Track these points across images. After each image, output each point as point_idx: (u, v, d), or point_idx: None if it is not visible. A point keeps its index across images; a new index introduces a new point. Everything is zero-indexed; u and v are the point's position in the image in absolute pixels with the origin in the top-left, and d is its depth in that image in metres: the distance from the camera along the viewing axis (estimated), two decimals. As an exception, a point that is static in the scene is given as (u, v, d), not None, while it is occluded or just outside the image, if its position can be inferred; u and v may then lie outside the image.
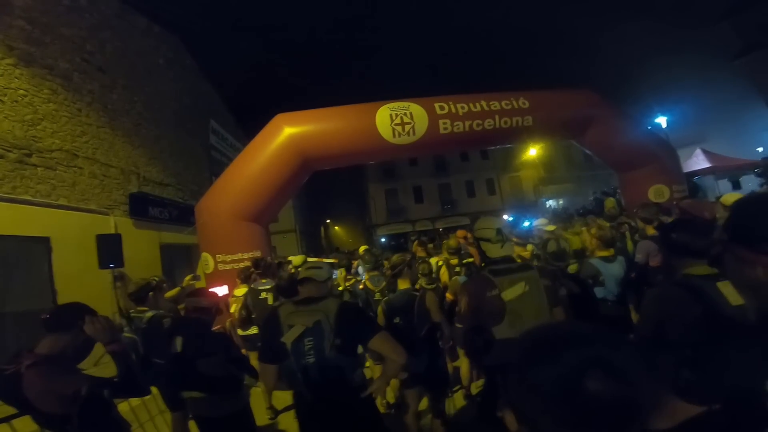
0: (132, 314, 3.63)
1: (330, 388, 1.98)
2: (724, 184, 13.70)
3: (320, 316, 1.98)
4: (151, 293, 3.68)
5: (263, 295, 4.40)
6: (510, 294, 2.10)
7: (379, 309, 3.09)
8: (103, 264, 7.11)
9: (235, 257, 6.18)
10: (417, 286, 3.35)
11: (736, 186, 13.52)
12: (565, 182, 27.66)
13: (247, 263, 5.37)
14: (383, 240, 28.05)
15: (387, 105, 7.02)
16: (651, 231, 4.16)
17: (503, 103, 7.36)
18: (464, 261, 4.71)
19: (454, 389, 4.11)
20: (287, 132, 6.57)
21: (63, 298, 6.45)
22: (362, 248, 7.13)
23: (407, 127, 6.94)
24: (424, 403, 3.28)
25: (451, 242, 5.00)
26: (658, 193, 7.76)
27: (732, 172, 13.60)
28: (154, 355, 3.12)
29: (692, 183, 9.26)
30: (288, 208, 21.36)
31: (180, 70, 12.54)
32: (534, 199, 27.82)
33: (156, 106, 10.62)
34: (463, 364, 4.08)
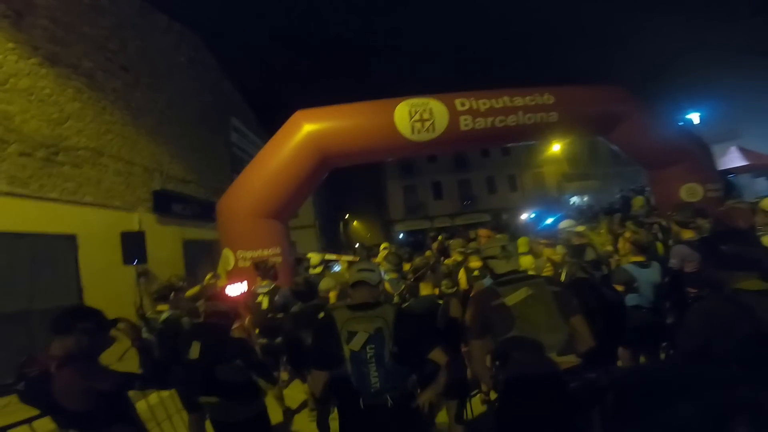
0: (149, 315, 3.68)
1: (385, 396, 1.96)
2: (762, 182, 12.97)
3: (380, 323, 1.95)
4: (172, 293, 3.76)
5: (259, 298, 4.39)
6: (513, 299, 2.04)
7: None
8: (127, 260, 7.27)
9: (255, 253, 6.19)
10: (436, 291, 3.27)
11: (774, 184, 12.77)
12: (589, 179, 26.90)
13: (256, 260, 5.41)
14: (401, 236, 27.97)
15: (406, 101, 6.89)
16: (687, 234, 3.91)
17: (527, 99, 7.13)
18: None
19: (472, 393, 4.02)
20: (306, 129, 6.54)
21: (89, 295, 6.64)
22: (383, 247, 7.02)
23: (427, 124, 6.81)
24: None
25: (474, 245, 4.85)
26: (690, 192, 7.39)
27: (768, 170, 12.85)
28: (170, 357, 3.14)
29: (727, 181, 8.76)
30: (308, 203, 21.50)
31: (201, 68, 12.70)
32: (557, 195, 27.14)
33: (178, 104, 10.78)
34: (479, 361, 3.97)
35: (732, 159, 12.36)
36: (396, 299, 4.10)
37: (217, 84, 13.83)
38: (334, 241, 28.76)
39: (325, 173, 7.25)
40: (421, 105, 6.86)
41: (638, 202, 8.49)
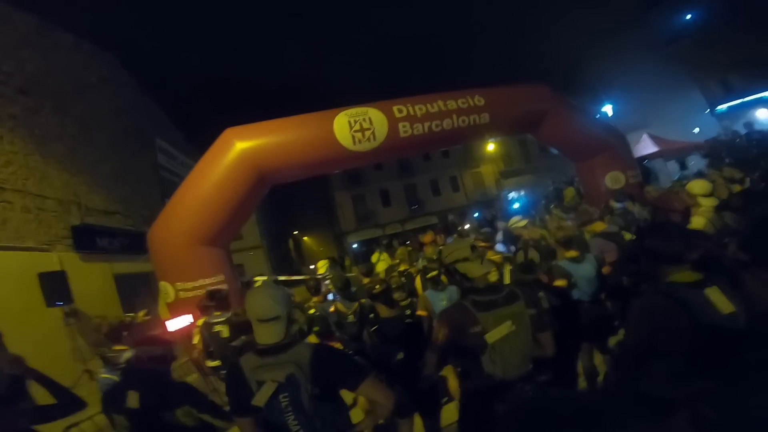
0: (108, 354, 3.34)
1: None
2: (672, 165, 14.47)
3: (292, 368, 1.68)
4: (125, 333, 3.56)
5: (216, 328, 4.09)
6: (495, 335, 1.91)
7: (370, 339, 2.87)
8: (50, 302, 6.71)
9: (196, 284, 5.77)
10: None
11: (683, 167, 14.31)
12: (524, 174, 28.45)
13: (210, 289, 5.04)
14: (354, 246, 27.73)
15: (344, 111, 6.79)
16: (600, 227, 4.12)
17: (460, 102, 7.31)
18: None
19: (444, 401, 3.93)
20: (239, 147, 6.20)
21: (10, 341, 5.79)
22: (322, 264, 6.73)
23: (367, 133, 6.75)
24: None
25: (429, 251, 4.78)
26: (614, 179, 7.99)
27: (678, 154, 14.39)
28: None
29: (644, 167, 9.62)
30: (252, 223, 20.69)
31: (117, 88, 11.71)
32: (496, 192, 28.40)
33: (92, 127, 9.82)
34: (450, 374, 3.91)
35: (645, 146, 13.68)
36: (350, 318, 3.93)
37: (136, 104, 12.83)
38: (284, 259, 27.84)
39: (264, 191, 6.95)
40: (359, 114, 6.79)
41: (569, 192, 9.02)
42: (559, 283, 3.11)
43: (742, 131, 14.03)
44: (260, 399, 1.67)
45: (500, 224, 7.34)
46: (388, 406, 1.78)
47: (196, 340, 4.43)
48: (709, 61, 18.52)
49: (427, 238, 6.37)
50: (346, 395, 1.95)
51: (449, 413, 3.20)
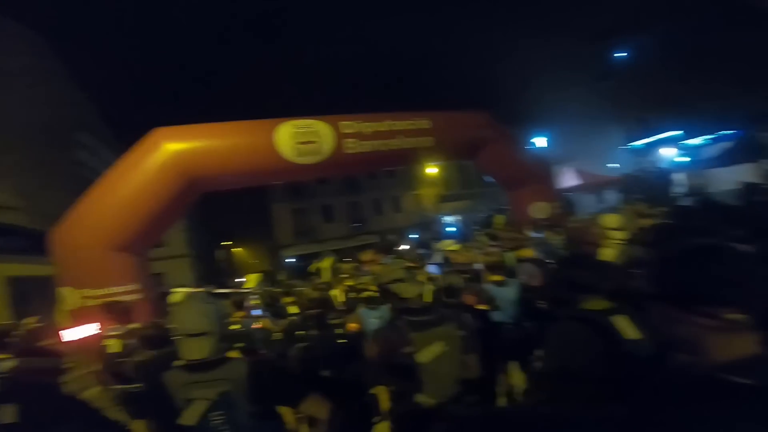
0: None
1: None
2: (589, 198, 15.98)
3: (226, 385, 1.57)
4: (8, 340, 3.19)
5: (106, 342, 3.71)
6: (426, 355, 1.94)
7: (296, 357, 2.73)
8: None
9: (105, 292, 5.27)
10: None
11: (601, 201, 15.85)
12: (461, 199, 29.76)
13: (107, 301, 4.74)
14: (290, 261, 26.89)
15: (290, 122, 6.62)
16: (528, 253, 4.42)
17: (408, 123, 7.47)
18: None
19: (376, 420, 3.84)
20: (168, 149, 5.78)
21: None
22: (252, 277, 6.42)
23: (312, 146, 6.64)
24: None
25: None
26: (539, 209, 8.57)
27: (597, 188, 15.95)
28: None
29: (566, 199, 10.50)
30: (178, 230, 19.33)
31: (40, 77, 10.52)
32: (435, 215, 29.34)
33: (3, 115, 8.68)
34: (383, 398, 3.84)
35: (569, 179, 15.01)
36: (278, 336, 3.75)
37: (61, 95, 11.59)
38: (213, 270, 26.18)
39: (192, 198, 6.54)
40: (306, 126, 6.68)
41: (499, 220, 9.51)
42: (483, 306, 3.24)
43: (654, 167, 15.80)
44: (190, 417, 1.54)
45: (436, 246, 7.53)
46: (327, 423, 1.72)
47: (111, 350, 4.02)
48: (632, 99, 20.28)
49: (367, 256, 6.35)
50: (286, 412, 1.85)
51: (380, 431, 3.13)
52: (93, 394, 3.51)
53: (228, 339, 1.82)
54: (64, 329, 4.86)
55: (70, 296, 5.31)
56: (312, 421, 1.80)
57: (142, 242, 5.92)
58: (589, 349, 1.58)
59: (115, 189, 5.60)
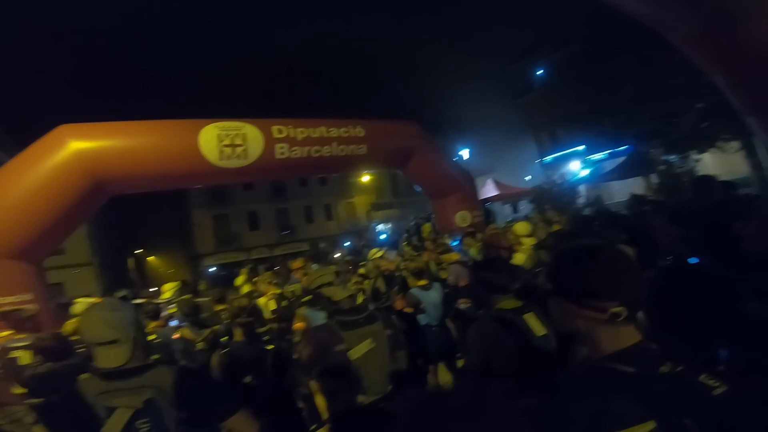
0: None
1: None
2: (507, 208, 17.42)
3: (151, 392, 1.50)
4: None
5: (14, 354, 3.32)
6: (357, 352, 2.05)
7: (215, 363, 2.62)
8: None
9: None
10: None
11: (515, 210, 17.35)
12: (392, 208, 30.49)
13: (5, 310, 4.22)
14: (211, 270, 25.25)
15: (215, 124, 6.29)
16: (455, 257, 4.78)
17: (342, 131, 7.44)
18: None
19: (313, 428, 3.81)
20: (73, 147, 5.18)
21: None
22: (168, 287, 6.00)
23: (239, 150, 6.37)
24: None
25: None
26: (462, 218, 9.12)
27: (512, 199, 17.39)
28: None
29: (486, 209, 11.30)
30: (80, 237, 17.25)
31: None
32: (367, 223, 29.67)
33: None
34: (319, 399, 3.85)
35: (488, 190, 16.18)
36: (201, 346, 3.56)
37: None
38: (122, 280, 23.64)
39: (99, 202, 5.97)
40: (233, 129, 6.40)
41: (426, 228, 9.97)
42: (408, 309, 3.43)
43: (562, 180, 17.56)
44: (113, 426, 1.46)
45: (368, 254, 7.66)
46: None
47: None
48: (544, 114, 22.11)
49: (297, 264, 6.26)
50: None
51: None
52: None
53: (145, 350, 1.74)
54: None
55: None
56: None
57: (38, 249, 5.22)
58: (505, 345, 1.76)
59: (8, 189, 4.89)
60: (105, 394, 1.51)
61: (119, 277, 24.24)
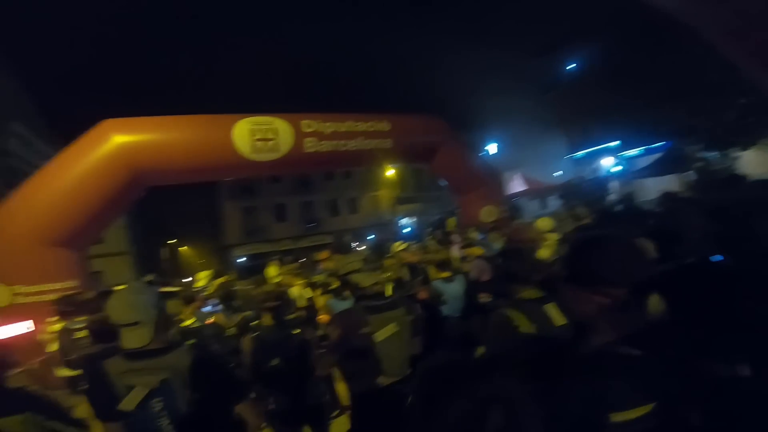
0: None
1: None
2: (534, 204, 17.08)
3: (167, 374, 1.63)
4: None
5: (78, 334, 3.59)
6: (382, 335, 2.17)
7: (246, 347, 2.78)
8: None
9: (39, 289, 4.98)
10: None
11: (544, 206, 16.95)
12: (416, 202, 30.42)
13: (59, 295, 4.39)
14: (240, 261, 26.04)
15: (248, 119, 6.56)
16: (479, 251, 4.80)
17: (368, 125, 7.61)
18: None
19: (334, 415, 3.94)
20: (116, 141, 5.53)
21: None
22: (203, 275, 6.29)
23: (270, 144, 6.61)
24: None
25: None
26: (488, 213, 9.08)
27: (541, 194, 17.04)
28: None
29: (513, 204, 11.17)
30: (118, 227, 18.17)
31: None
32: (390, 218, 29.76)
33: None
34: (341, 386, 3.98)
35: (516, 185, 15.93)
36: (232, 331, 3.76)
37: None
38: (155, 269, 24.75)
39: (138, 193, 6.31)
40: (264, 123, 6.64)
41: (451, 222, 9.95)
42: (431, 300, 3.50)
43: (593, 176, 17.12)
44: (129, 403, 1.60)
45: (392, 246, 7.76)
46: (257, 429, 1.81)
47: (52, 347, 3.83)
48: (576, 109, 21.66)
49: (322, 255, 6.44)
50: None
51: (340, 426, 3.26)
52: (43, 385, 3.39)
53: (166, 333, 1.85)
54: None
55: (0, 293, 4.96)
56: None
57: (83, 238, 5.61)
58: (524, 335, 1.81)
59: (56, 181, 5.28)
60: (127, 373, 1.64)
61: (154, 266, 25.37)
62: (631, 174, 15.61)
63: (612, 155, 18.84)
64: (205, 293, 4.74)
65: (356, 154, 7.61)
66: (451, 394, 0.71)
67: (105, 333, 3.14)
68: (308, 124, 7.02)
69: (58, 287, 5.01)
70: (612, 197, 14.64)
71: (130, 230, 20.54)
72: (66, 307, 3.85)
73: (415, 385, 0.80)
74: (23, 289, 4.96)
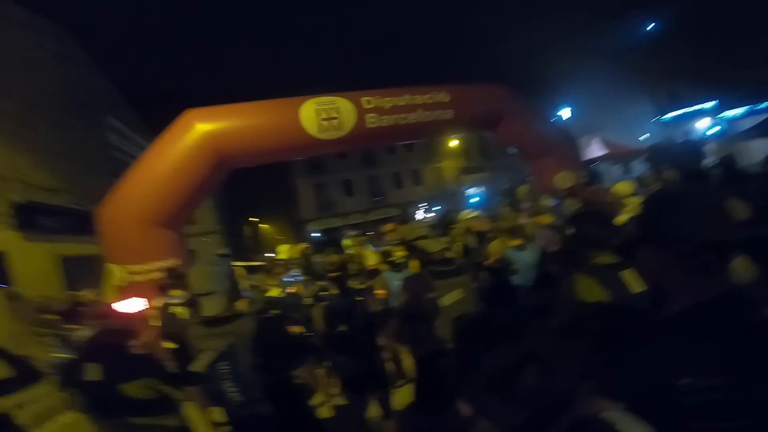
0: (63, 333, 3.20)
1: (253, 408, 1.85)
2: (616, 169, 15.57)
3: (233, 338, 1.81)
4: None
5: (173, 309, 4.10)
6: (448, 300, 2.23)
7: (317, 315, 2.99)
8: None
9: (149, 267, 5.60)
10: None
11: (627, 171, 15.40)
12: (483, 171, 29.37)
13: (168, 266, 4.94)
14: (314, 235, 27.55)
15: (312, 99, 6.81)
16: (547, 220, 4.55)
17: (426, 97, 7.52)
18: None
19: (399, 384, 4.09)
20: (200, 129, 6.09)
21: None
22: (284, 248, 6.79)
23: (334, 122, 6.83)
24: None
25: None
26: (562, 179, 8.52)
27: (624, 159, 15.48)
28: None
29: (591, 169, 10.34)
30: (207, 207, 20.05)
31: (69, 65, 11.03)
32: (456, 188, 29.17)
33: (40, 104, 9.23)
34: (405, 357, 4.13)
35: (595, 149, 14.62)
36: (308, 301, 4.05)
37: (88, 81, 12.12)
38: (240, 246, 27.16)
39: (224, 175, 6.87)
40: (327, 103, 6.85)
41: (522, 190, 9.52)
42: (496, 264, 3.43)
43: (683, 138, 15.20)
44: (198, 365, 1.80)
45: (458, 216, 7.71)
46: (326, 389, 1.95)
47: (156, 322, 4.40)
48: (661, 70, 19.51)
49: (388, 227, 6.63)
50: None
51: (403, 395, 3.39)
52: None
53: (267, 305, 2.05)
54: (113, 304, 5.33)
55: (117, 272, 5.64)
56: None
57: (179, 217, 6.29)
58: (599, 302, 1.71)
59: (154, 168, 5.96)
60: (201, 338, 1.86)
61: (239, 243, 27.79)
62: (732, 137, 13.57)
63: (708, 116, 16.49)
64: (287, 261, 5.10)
65: (417, 126, 7.56)
66: (486, 351, 0.71)
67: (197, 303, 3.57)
68: (368, 100, 7.10)
69: (165, 265, 5.59)
70: (708, 160, 12.86)
71: (218, 210, 22.48)
72: (171, 279, 4.36)
73: (453, 341, 0.81)
74: (135, 268, 5.60)
